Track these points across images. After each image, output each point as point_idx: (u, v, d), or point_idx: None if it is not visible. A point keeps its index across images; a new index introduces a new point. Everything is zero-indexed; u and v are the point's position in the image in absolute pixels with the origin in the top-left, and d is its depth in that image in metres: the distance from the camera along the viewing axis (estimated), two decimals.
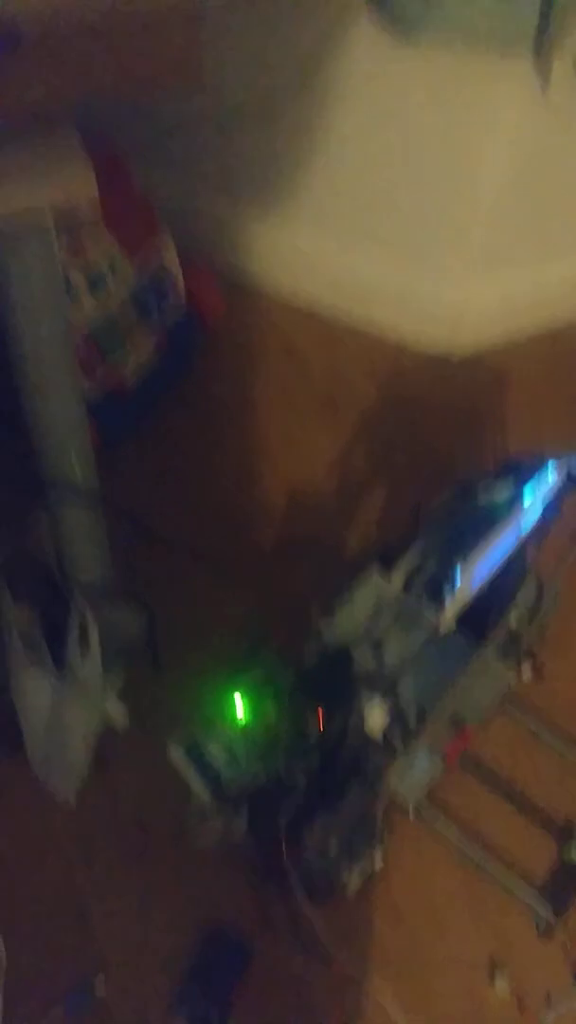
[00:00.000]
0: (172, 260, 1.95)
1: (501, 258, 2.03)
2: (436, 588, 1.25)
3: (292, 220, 2.11)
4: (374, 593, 1.52)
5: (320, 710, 1.24)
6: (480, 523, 1.27)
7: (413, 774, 1.44)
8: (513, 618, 1.49)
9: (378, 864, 1.36)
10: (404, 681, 1.18)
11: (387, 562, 1.55)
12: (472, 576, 1.17)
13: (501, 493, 1.30)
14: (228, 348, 2.09)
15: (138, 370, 1.94)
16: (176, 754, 1.35)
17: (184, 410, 1.98)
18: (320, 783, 1.27)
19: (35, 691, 1.35)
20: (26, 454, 1.58)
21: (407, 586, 1.50)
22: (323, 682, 1.24)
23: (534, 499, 1.28)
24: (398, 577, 1.49)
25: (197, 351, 2.06)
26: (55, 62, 0.93)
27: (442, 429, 1.97)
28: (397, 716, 1.08)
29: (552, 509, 1.32)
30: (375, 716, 1.08)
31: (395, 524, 1.75)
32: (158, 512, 1.57)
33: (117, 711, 1.35)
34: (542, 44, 1.65)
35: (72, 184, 1.00)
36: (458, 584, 1.16)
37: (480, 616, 1.45)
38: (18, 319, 1.14)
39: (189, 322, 2.03)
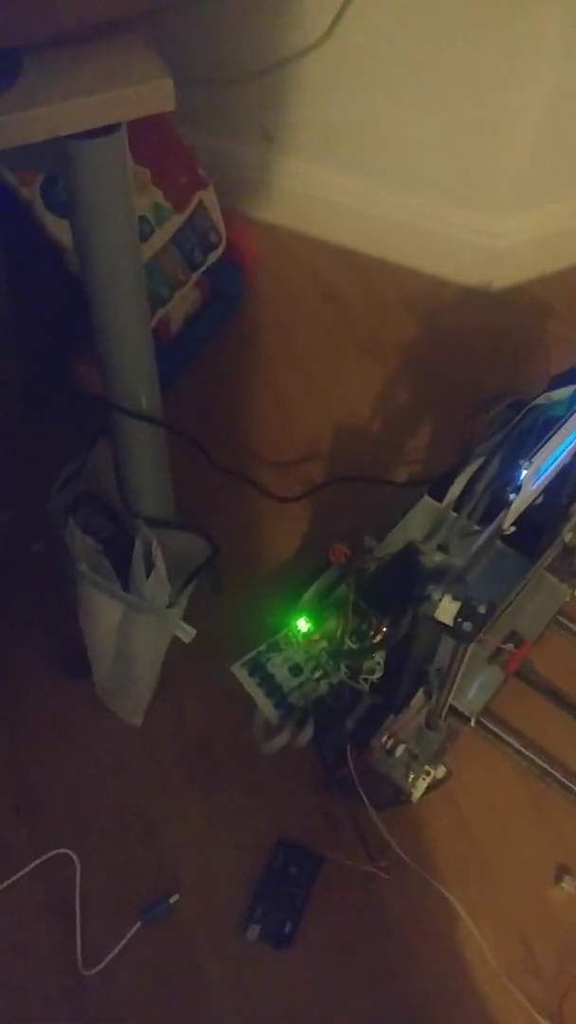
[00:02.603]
0: (215, 210, 1.98)
1: (540, 189, 2.04)
2: (498, 492, 1.27)
3: (327, 164, 2.13)
4: (427, 515, 1.55)
5: (384, 617, 1.26)
6: (539, 426, 1.29)
7: (474, 686, 1.46)
8: (567, 533, 1.51)
9: (442, 772, 1.38)
10: (471, 575, 1.20)
11: (440, 486, 1.58)
12: (536, 474, 1.18)
13: (560, 396, 1.31)
14: (269, 293, 2.12)
15: (182, 317, 1.97)
16: (239, 670, 1.38)
17: (228, 354, 2.01)
18: (385, 690, 1.30)
19: (104, 613, 1.38)
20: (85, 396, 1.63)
21: (457, 506, 1.54)
22: (386, 590, 1.26)
23: None
24: (450, 496, 1.52)
25: (239, 298, 2.09)
26: None
27: (483, 360, 1.99)
28: (467, 604, 1.10)
29: None
30: (446, 603, 1.10)
31: (443, 454, 1.77)
32: (207, 448, 1.59)
33: (183, 627, 1.38)
34: None
35: (150, 96, 1.01)
36: (521, 482, 1.17)
37: (535, 535, 1.47)
38: (91, 228, 1.16)
39: (231, 269, 2.06)
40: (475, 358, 2.01)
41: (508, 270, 2.13)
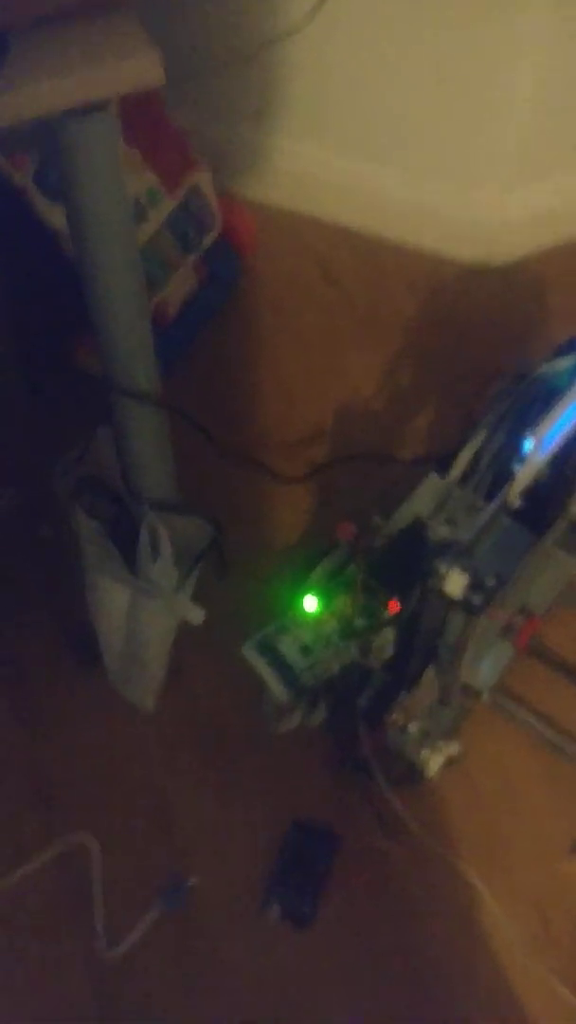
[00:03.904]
0: (209, 192, 1.96)
1: (537, 164, 2.03)
2: (503, 465, 1.27)
3: (323, 143, 2.12)
4: (433, 492, 1.54)
5: (393, 593, 1.26)
6: (543, 397, 1.28)
7: (485, 662, 1.46)
8: (574, 505, 1.50)
9: (456, 748, 1.38)
10: (479, 549, 1.19)
11: (446, 463, 1.57)
12: (541, 445, 1.18)
13: (564, 366, 1.31)
14: (267, 275, 2.11)
15: (180, 301, 1.96)
16: (249, 651, 1.38)
17: (228, 337, 2.00)
18: (397, 667, 1.30)
19: (111, 598, 1.38)
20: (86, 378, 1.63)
21: (464, 480, 1.53)
22: (394, 566, 1.26)
23: None
24: (455, 471, 1.51)
25: (236, 280, 2.08)
26: None
27: (486, 337, 1.98)
28: (475, 576, 1.10)
29: None
30: (454, 576, 1.09)
31: (448, 431, 1.76)
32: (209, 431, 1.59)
33: (192, 609, 1.37)
34: None
35: (139, 70, 1.01)
36: (526, 453, 1.17)
37: (542, 508, 1.47)
38: (84, 209, 1.16)
39: (227, 252, 2.05)
40: (477, 334, 2.00)
41: (507, 246, 2.11)
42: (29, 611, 1.60)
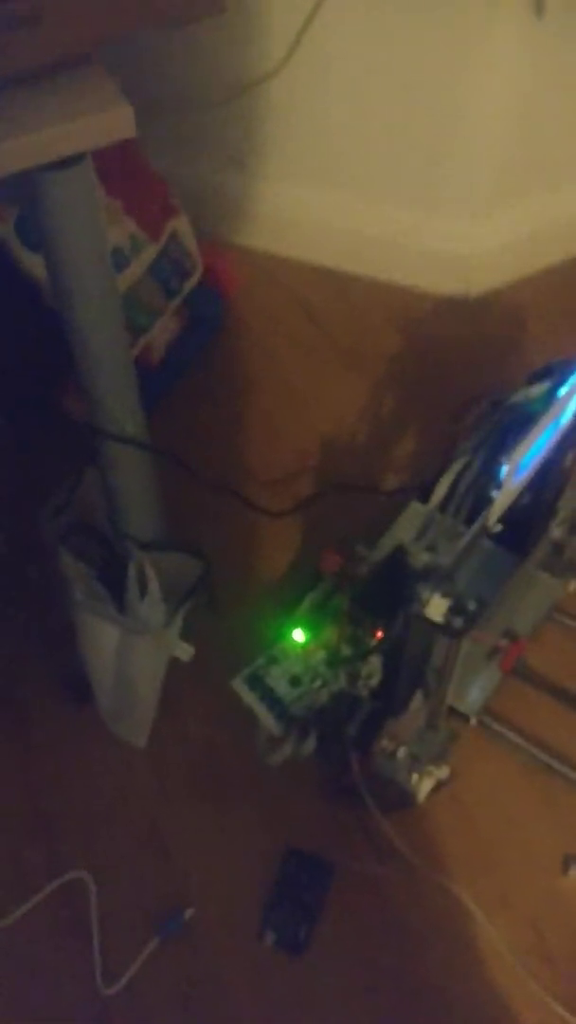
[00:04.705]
0: (188, 237, 2.00)
1: (508, 193, 2.07)
2: (481, 491, 1.29)
3: (299, 185, 2.17)
4: (416, 519, 1.57)
5: (379, 621, 1.28)
6: (518, 423, 1.31)
7: (473, 686, 1.48)
8: (556, 528, 1.53)
9: (446, 772, 1.40)
10: (460, 574, 1.22)
11: (426, 491, 1.59)
12: (516, 470, 1.21)
13: (537, 392, 1.34)
14: (249, 315, 2.15)
15: (164, 345, 1.99)
16: (239, 685, 1.40)
17: (212, 377, 2.04)
18: (384, 694, 1.31)
19: (100, 637, 1.40)
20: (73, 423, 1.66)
21: (444, 507, 1.55)
22: (379, 594, 1.28)
23: (570, 394, 1.31)
24: (435, 498, 1.54)
25: (219, 322, 2.12)
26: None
27: (464, 365, 2.02)
28: (457, 601, 1.12)
29: None
30: (435, 601, 1.12)
31: (430, 459, 1.79)
32: (195, 468, 1.61)
33: (181, 646, 1.40)
34: None
35: (110, 124, 1.04)
36: (503, 479, 1.20)
37: (524, 532, 1.50)
38: (64, 261, 1.19)
39: (209, 295, 2.09)
40: (456, 364, 2.03)
41: (483, 276, 2.15)
42: (20, 651, 1.62)
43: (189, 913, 1.38)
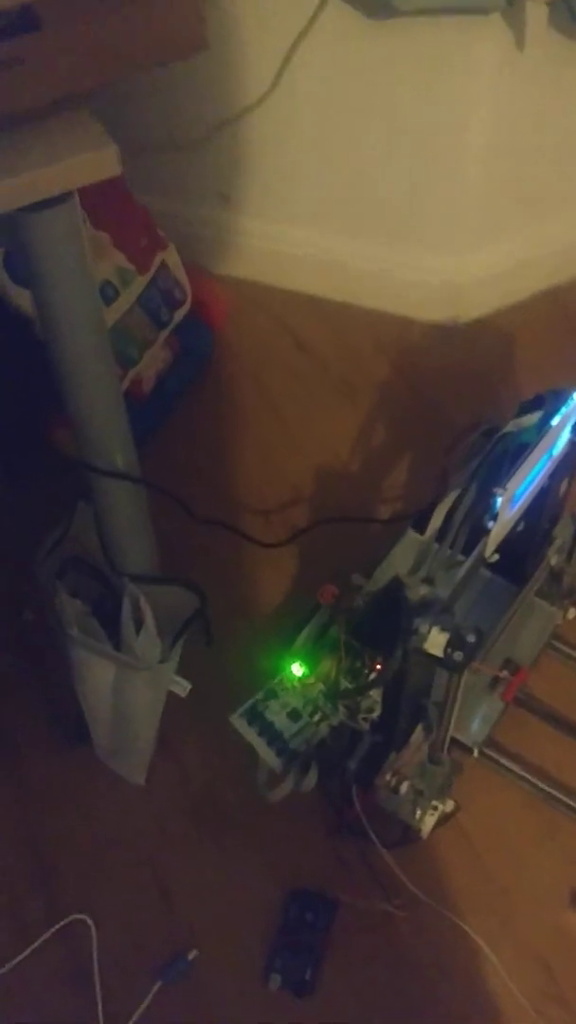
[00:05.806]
0: (177, 268, 2.00)
1: (496, 221, 2.08)
2: (477, 520, 1.29)
3: (286, 215, 2.17)
4: (412, 549, 1.56)
5: (377, 653, 1.27)
6: (511, 453, 1.30)
7: (476, 717, 1.47)
8: (552, 556, 1.52)
9: (450, 805, 1.38)
10: (459, 605, 1.21)
11: (423, 519, 1.59)
12: (511, 500, 1.20)
13: (529, 422, 1.33)
14: (240, 346, 2.14)
15: (154, 376, 1.99)
16: (238, 720, 1.38)
17: (204, 408, 2.04)
18: (385, 728, 1.30)
19: (96, 673, 1.38)
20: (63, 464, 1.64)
21: (440, 536, 1.54)
22: (376, 627, 1.27)
23: (562, 423, 1.31)
24: (431, 528, 1.53)
25: (210, 353, 2.12)
26: (72, 42, 0.98)
27: (457, 393, 2.02)
28: (455, 634, 1.11)
29: None
30: (434, 634, 1.11)
31: (424, 488, 1.78)
32: (189, 501, 1.61)
33: (178, 681, 1.38)
34: None
35: (95, 164, 1.04)
36: (498, 510, 1.19)
37: (521, 561, 1.49)
38: (51, 298, 1.18)
39: (199, 326, 2.08)
40: (448, 393, 2.03)
41: (472, 305, 2.16)
42: (16, 693, 1.60)
43: (192, 955, 1.35)
